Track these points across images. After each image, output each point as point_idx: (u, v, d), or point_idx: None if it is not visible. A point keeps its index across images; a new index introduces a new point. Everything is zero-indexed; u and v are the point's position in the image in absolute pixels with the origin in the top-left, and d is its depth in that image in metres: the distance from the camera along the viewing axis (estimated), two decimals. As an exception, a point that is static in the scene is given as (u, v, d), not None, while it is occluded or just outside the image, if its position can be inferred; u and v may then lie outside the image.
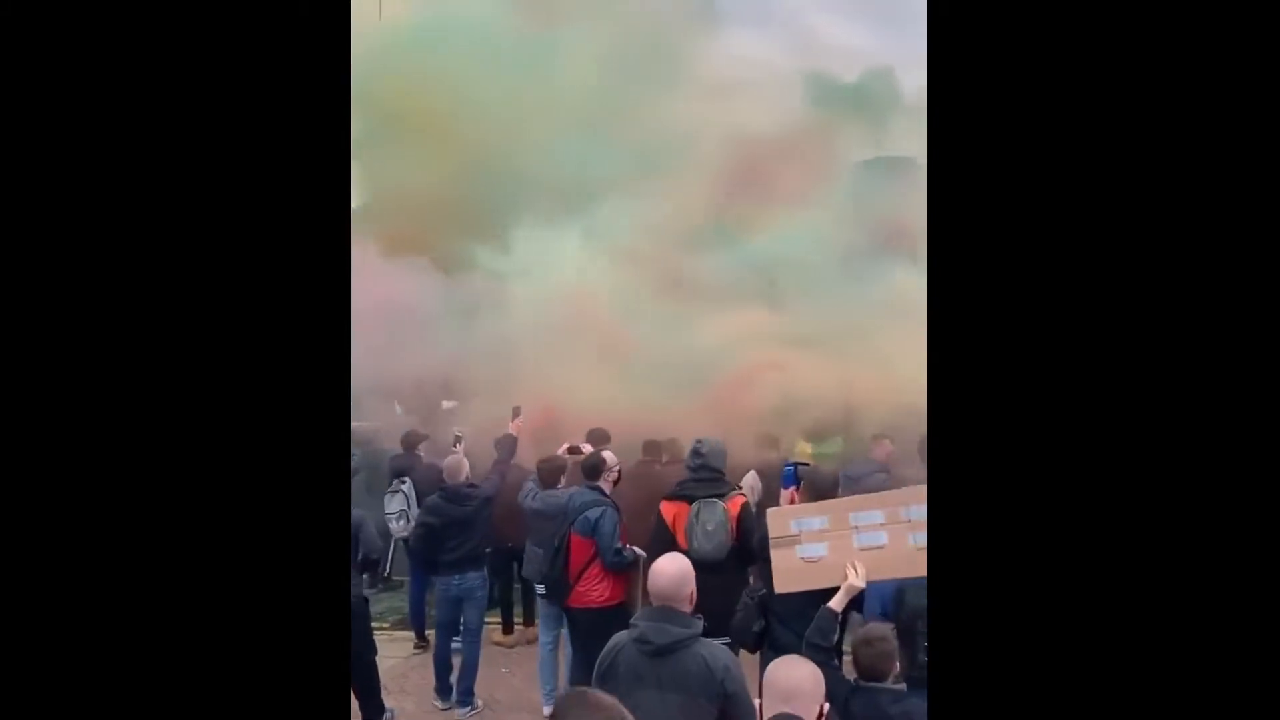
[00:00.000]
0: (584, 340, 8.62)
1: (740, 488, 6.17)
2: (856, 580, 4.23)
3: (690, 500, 5.79)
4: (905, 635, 4.45)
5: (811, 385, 8.67)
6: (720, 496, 5.77)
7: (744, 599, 5.16)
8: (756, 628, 5.01)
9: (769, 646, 4.93)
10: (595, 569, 6.05)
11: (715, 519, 5.68)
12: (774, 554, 4.62)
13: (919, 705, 3.62)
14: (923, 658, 4.39)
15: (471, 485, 6.88)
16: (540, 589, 6.40)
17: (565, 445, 7.32)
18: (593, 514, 6.05)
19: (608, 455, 6.55)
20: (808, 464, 6.49)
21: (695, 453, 5.98)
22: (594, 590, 6.03)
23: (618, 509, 6.19)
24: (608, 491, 6.31)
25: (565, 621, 6.53)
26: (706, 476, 5.87)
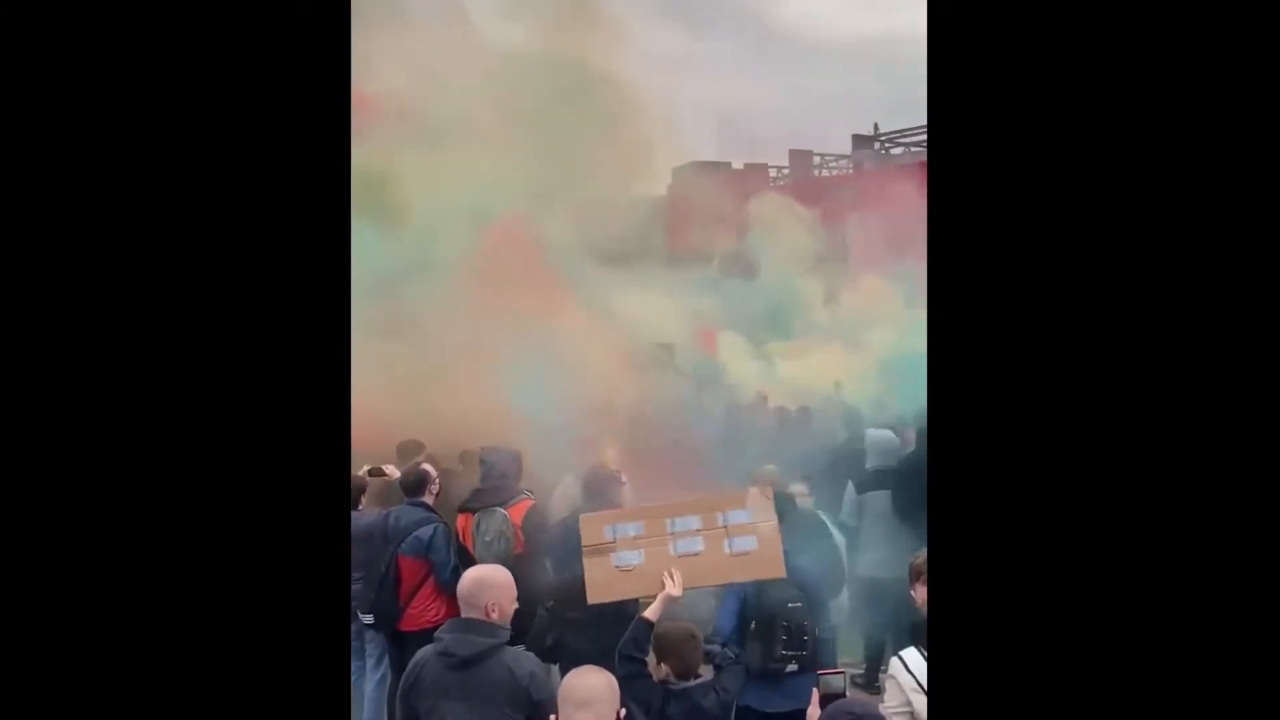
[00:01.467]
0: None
1: (528, 492, 6.08)
2: (674, 589, 4.20)
3: (475, 511, 5.77)
4: (764, 630, 4.58)
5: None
6: (503, 504, 5.72)
7: (539, 610, 5.11)
8: (549, 640, 4.98)
9: (565, 657, 4.92)
10: (428, 589, 5.79)
11: (492, 529, 5.64)
12: (587, 563, 4.53)
13: (727, 691, 3.94)
14: (780, 650, 4.59)
15: None
16: (367, 618, 5.97)
17: (365, 467, 6.92)
18: (424, 533, 5.81)
19: (428, 468, 6.26)
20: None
21: (480, 461, 5.96)
22: (429, 611, 5.75)
23: (446, 524, 5.94)
24: (431, 505, 6.03)
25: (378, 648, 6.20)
26: (491, 485, 5.84)
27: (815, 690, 3.21)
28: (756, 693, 4.58)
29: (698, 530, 4.53)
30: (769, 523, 4.55)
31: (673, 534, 4.52)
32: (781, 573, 4.47)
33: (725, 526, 4.53)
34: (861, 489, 6.97)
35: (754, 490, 4.79)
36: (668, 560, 4.36)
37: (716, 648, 4.22)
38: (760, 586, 4.62)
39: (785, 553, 4.50)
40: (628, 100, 10.22)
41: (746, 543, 4.50)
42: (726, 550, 4.47)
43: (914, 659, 3.09)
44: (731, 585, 4.70)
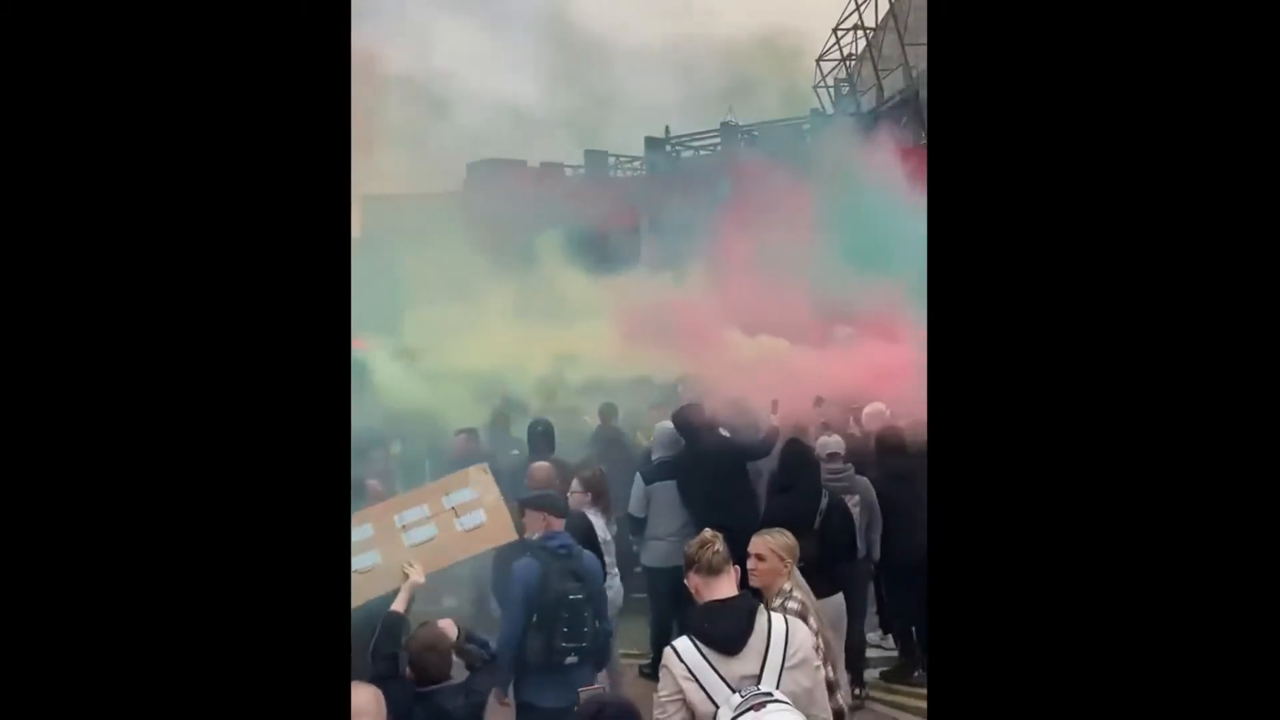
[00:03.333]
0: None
1: None
2: (417, 576, 4.35)
3: None
4: (546, 622, 4.64)
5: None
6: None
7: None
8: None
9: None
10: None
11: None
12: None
13: (477, 692, 4.05)
14: (561, 642, 4.66)
15: None
16: None
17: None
18: None
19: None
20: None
21: None
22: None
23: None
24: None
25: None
26: None
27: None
28: (536, 687, 4.64)
29: (428, 518, 4.84)
30: (492, 494, 4.92)
31: (403, 527, 4.78)
32: (514, 536, 4.82)
33: (453, 508, 4.88)
34: (648, 480, 7.14)
35: (472, 469, 5.12)
36: (404, 553, 4.56)
37: (474, 647, 4.26)
38: (543, 579, 4.69)
39: (567, 544, 4.73)
40: (421, 96, 9.94)
41: (475, 518, 4.87)
42: (459, 529, 4.80)
43: (686, 648, 3.16)
44: (516, 577, 4.76)
